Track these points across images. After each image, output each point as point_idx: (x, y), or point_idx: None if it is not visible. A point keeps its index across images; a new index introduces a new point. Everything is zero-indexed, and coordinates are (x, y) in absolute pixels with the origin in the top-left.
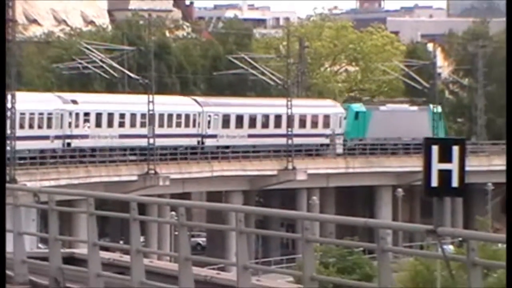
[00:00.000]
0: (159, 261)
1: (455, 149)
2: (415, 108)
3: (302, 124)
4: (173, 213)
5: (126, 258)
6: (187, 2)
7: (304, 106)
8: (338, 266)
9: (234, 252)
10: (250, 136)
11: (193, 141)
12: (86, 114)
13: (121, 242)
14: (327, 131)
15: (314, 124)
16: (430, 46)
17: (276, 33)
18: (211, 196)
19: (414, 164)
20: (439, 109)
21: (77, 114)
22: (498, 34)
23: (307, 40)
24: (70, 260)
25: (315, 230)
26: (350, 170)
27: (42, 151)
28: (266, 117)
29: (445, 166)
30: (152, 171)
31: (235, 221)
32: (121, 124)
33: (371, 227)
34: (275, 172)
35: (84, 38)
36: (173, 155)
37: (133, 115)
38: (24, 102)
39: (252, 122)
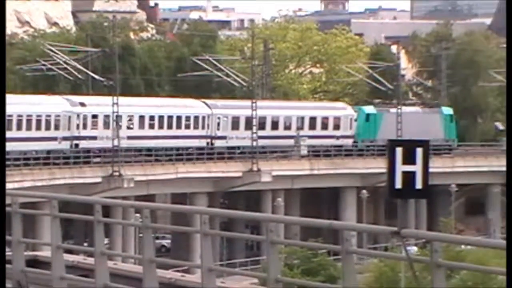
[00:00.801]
0: (124, 263)
1: (419, 151)
2: (427, 110)
3: (312, 126)
4: (138, 215)
5: (90, 260)
6: (152, 4)
7: (314, 109)
8: (302, 268)
9: (199, 254)
10: (260, 137)
11: (202, 143)
12: (94, 116)
13: (85, 244)
14: (337, 133)
15: (324, 126)
16: (394, 48)
17: (241, 34)
18: (176, 198)
19: (378, 165)
20: (451, 111)
21: (85, 116)
22: (461, 36)
23: (272, 42)
24: (33, 263)
25: (280, 232)
26: (315, 172)
27: (49, 151)
28: (275, 119)
29: (409, 168)
30: (117, 173)
31: (199, 223)
32: (129, 127)
33: (336, 228)
34: (239, 174)
35: (48, 39)
36: (137, 156)
37: (141, 117)
38: (32, 104)
39: (262, 124)
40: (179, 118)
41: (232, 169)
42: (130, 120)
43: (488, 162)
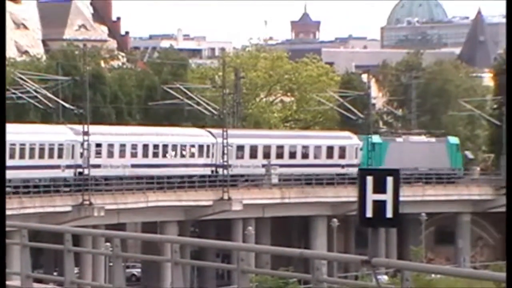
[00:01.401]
0: None
1: (389, 180)
2: (433, 139)
3: (318, 155)
4: (108, 244)
5: None
6: (123, 32)
7: (320, 138)
8: None
9: (170, 283)
10: (263, 166)
11: (206, 171)
12: (98, 145)
13: (55, 273)
14: (343, 162)
15: (330, 155)
16: (364, 77)
17: (212, 63)
18: (146, 226)
19: (349, 194)
20: (457, 141)
21: (88, 145)
22: (431, 66)
23: (243, 70)
24: None
25: (251, 260)
26: (286, 200)
27: (53, 179)
28: (280, 148)
29: (379, 196)
30: (87, 202)
31: (170, 252)
32: (133, 155)
33: (307, 257)
34: (210, 203)
35: (18, 68)
36: (108, 185)
37: (145, 146)
38: (36, 133)
39: (267, 152)
40: (183, 146)
41: (203, 198)
42: (134, 149)
43: (458, 191)
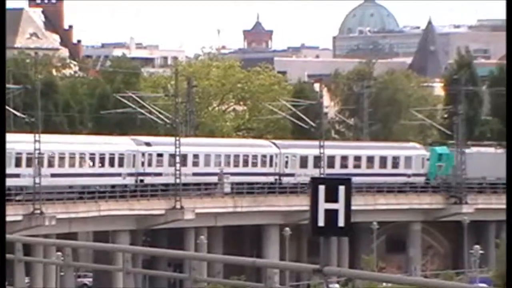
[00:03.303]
0: None
1: (341, 189)
2: (501, 150)
3: (383, 164)
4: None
5: None
6: (75, 41)
7: (385, 148)
8: None
9: None
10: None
11: (269, 179)
12: (160, 155)
13: (6, 283)
14: (409, 171)
15: (395, 165)
16: (317, 86)
17: (164, 72)
18: (98, 236)
19: (301, 203)
20: None
21: (150, 155)
22: (382, 75)
23: (195, 79)
24: None
25: (203, 269)
26: (238, 209)
27: (113, 186)
28: (344, 158)
29: (331, 205)
30: (38, 211)
31: (122, 261)
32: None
33: (259, 266)
34: (162, 212)
35: None
36: (60, 194)
37: (217, 156)
38: (96, 143)
39: (331, 162)
40: (246, 156)
41: (155, 207)
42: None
43: (408, 200)
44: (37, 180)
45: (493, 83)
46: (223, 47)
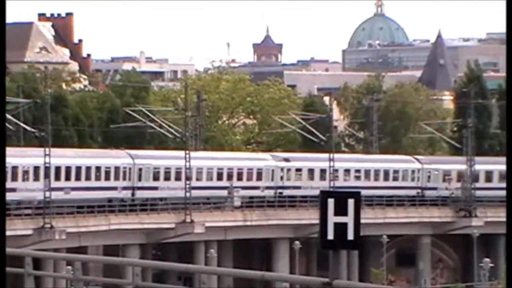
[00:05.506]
0: None
1: (351, 202)
2: None
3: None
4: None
5: None
6: (84, 55)
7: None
8: None
9: None
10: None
11: (412, 192)
12: (298, 170)
13: None
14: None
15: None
16: (326, 99)
17: (174, 85)
18: (108, 249)
19: (311, 216)
20: None
21: (288, 170)
22: (392, 88)
23: (205, 93)
24: None
25: (213, 283)
26: (248, 223)
27: (251, 197)
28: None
29: (340, 219)
30: (48, 225)
31: (132, 275)
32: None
33: (268, 280)
34: (172, 225)
35: None
36: (70, 208)
37: (357, 171)
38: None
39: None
40: (388, 171)
41: (165, 221)
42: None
43: (418, 213)
44: (47, 194)
45: (502, 96)
46: (233, 61)
